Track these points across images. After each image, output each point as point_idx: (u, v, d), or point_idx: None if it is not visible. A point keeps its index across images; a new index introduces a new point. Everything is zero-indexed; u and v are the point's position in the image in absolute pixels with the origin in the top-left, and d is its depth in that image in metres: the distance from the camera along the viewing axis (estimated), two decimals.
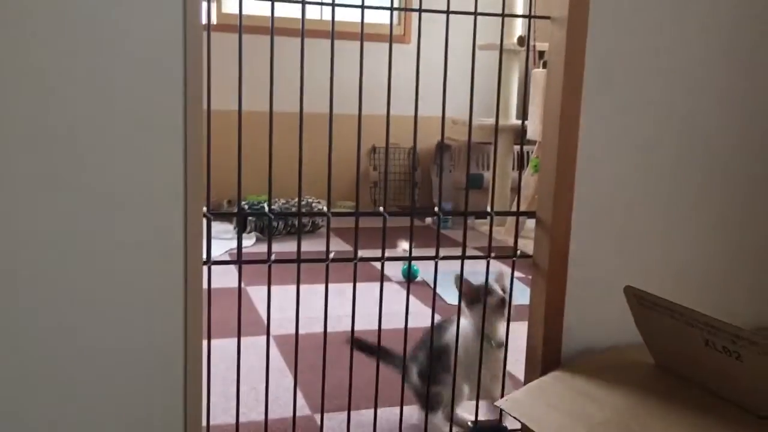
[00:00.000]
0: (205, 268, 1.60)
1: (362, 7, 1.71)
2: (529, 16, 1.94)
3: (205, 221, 1.61)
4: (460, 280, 1.89)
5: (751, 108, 1.94)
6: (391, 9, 1.78)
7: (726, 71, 1.89)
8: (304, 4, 1.67)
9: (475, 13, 1.74)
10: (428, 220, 5.07)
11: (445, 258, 1.78)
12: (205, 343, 1.60)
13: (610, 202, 1.83)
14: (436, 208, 1.84)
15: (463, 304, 1.91)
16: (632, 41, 1.78)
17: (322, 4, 1.78)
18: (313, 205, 4.52)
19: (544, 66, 4.01)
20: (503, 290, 1.92)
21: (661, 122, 1.85)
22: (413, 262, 3.00)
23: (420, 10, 1.70)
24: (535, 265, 1.82)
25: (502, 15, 1.79)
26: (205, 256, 1.61)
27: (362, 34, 1.69)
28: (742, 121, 1.94)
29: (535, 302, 1.84)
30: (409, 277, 2.92)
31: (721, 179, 1.94)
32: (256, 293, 3.24)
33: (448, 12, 1.72)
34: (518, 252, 1.82)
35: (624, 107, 1.81)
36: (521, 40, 4.48)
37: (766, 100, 1.95)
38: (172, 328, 1.55)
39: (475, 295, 1.93)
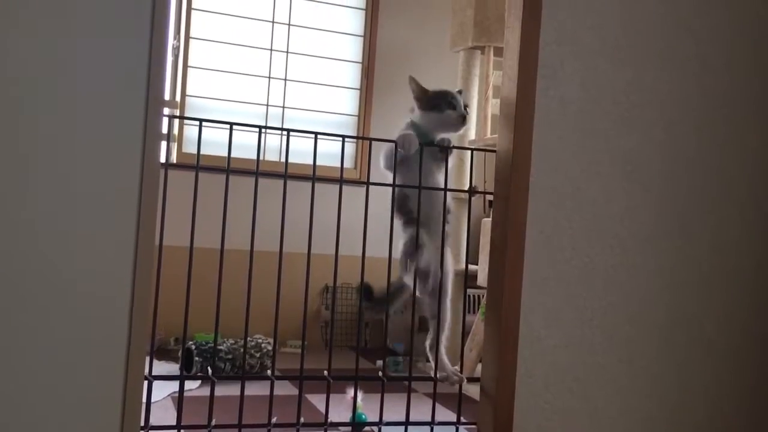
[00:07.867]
0: None
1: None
2: (469, 192, 2.04)
3: (146, 384, 1.59)
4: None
5: (676, 307, 2.01)
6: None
7: (658, 251, 1.99)
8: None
9: (420, 187, 1.84)
10: (379, 362, 5.01)
11: (388, 424, 1.78)
12: None
13: (554, 372, 1.85)
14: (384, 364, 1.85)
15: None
16: (573, 216, 1.87)
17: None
18: (263, 345, 4.45)
19: None
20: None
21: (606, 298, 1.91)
22: (361, 409, 2.97)
23: (367, 183, 1.79)
24: None
25: (444, 189, 1.89)
26: (143, 421, 1.58)
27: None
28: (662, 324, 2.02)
29: None
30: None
31: (655, 354, 1.99)
32: None
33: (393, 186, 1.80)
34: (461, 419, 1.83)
35: (569, 278, 1.87)
36: (471, 191, 4.65)
37: (690, 296, 2.02)
38: None
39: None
